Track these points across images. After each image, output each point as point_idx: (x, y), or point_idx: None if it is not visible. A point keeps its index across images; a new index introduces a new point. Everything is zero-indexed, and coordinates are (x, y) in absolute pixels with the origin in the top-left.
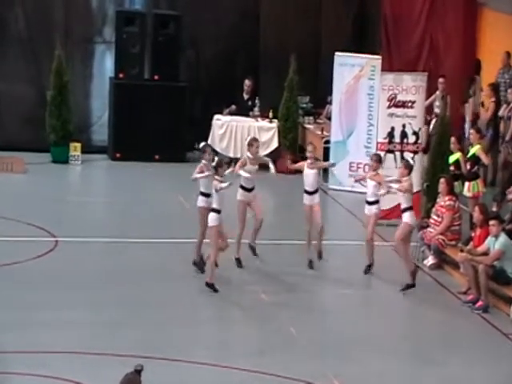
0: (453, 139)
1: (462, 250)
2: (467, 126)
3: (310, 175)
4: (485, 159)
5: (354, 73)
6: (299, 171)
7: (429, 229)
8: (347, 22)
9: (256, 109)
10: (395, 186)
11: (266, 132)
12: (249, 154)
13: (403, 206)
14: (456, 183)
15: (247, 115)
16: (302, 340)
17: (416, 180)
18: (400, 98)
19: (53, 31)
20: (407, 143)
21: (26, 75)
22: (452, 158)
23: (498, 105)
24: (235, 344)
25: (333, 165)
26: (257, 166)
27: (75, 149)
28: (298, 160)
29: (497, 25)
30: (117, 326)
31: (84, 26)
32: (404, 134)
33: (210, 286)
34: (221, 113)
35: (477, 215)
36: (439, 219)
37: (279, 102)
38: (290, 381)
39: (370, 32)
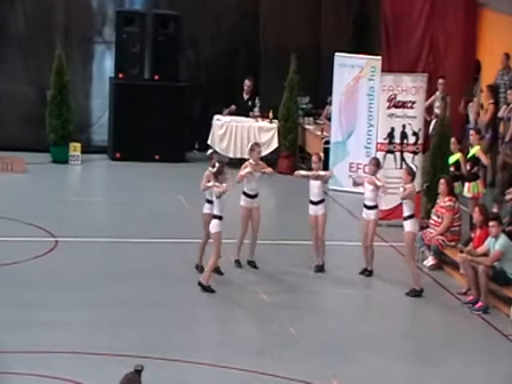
0: (453, 140)
1: (461, 251)
2: (472, 125)
3: (315, 185)
4: (484, 160)
5: (353, 74)
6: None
7: (428, 229)
8: (347, 21)
9: (256, 109)
10: (401, 194)
11: (266, 132)
12: (251, 160)
13: (405, 213)
14: (456, 184)
15: (247, 115)
16: (301, 340)
17: (416, 181)
18: (400, 98)
19: (53, 31)
20: (407, 144)
21: (26, 75)
22: (452, 159)
23: (496, 106)
24: (235, 344)
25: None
26: (259, 173)
27: (75, 149)
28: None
29: (497, 25)
30: (117, 325)
31: (84, 26)
32: (404, 135)
33: (204, 287)
34: (221, 113)
35: (477, 216)
36: (439, 220)
37: (279, 102)
38: (289, 381)
39: (370, 32)
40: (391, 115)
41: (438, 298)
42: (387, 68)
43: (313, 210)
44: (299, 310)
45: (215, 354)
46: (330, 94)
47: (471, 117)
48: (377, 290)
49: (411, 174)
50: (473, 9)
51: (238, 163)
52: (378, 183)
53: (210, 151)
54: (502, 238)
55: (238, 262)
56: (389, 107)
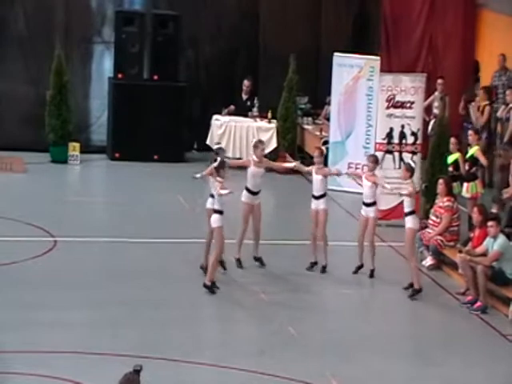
0: (453, 139)
1: (460, 251)
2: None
3: (316, 180)
4: (483, 160)
5: (352, 73)
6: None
7: (427, 229)
8: (347, 21)
9: (255, 109)
10: (404, 192)
11: (265, 132)
12: (254, 157)
13: (406, 209)
14: (455, 184)
15: (246, 115)
16: (301, 340)
17: (414, 181)
18: (399, 98)
19: (53, 31)
20: (406, 144)
21: (26, 75)
22: (451, 159)
23: (492, 107)
24: (235, 344)
25: (339, 174)
26: (263, 170)
27: (74, 149)
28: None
29: (496, 26)
30: (117, 325)
31: (83, 26)
32: (403, 135)
33: (208, 287)
34: (220, 113)
35: (476, 216)
36: (438, 220)
37: (278, 102)
38: (289, 381)
39: (370, 32)
40: (390, 115)
41: (436, 298)
42: (386, 68)
43: (314, 203)
44: (299, 309)
45: (215, 353)
46: (329, 93)
47: (473, 117)
48: (376, 289)
49: (410, 170)
50: (472, 9)
51: None
52: (378, 181)
53: (216, 146)
54: (501, 238)
55: (238, 261)
56: (388, 107)
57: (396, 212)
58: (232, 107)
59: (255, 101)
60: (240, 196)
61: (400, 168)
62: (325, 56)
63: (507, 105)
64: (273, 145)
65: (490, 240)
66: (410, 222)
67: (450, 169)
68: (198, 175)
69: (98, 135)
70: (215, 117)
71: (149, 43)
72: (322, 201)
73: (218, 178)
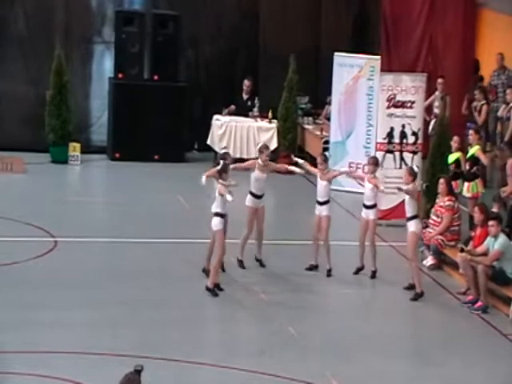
0: (455, 138)
1: (462, 249)
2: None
3: (320, 186)
4: (484, 160)
5: (353, 73)
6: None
7: (428, 229)
8: (347, 21)
9: (255, 109)
10: (404, 187)
11: (265, 132)
12: (259, 161)
13: (409, 214)
14: (459, 181)
15: (246, 115)
16: (301, 340)
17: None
18: (399, 98)
19: (53, 31)
20: (406, 143)
21: (26, 75)
22: (452, 158)
23: (489, 107)
24: (235, 344)
25: (345, 173)
26: (266, 174)
27: (74, 149)
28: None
29: (496, 25)
30: (117, 325)
31: (83, 26)
32: (403, 135)
33: (211, 290)
34: (220, 113)
35: (477, 215)
36: (438, 220)
37: (278, 102)
38: (290, 381)
39: (370, 32)
40: (390, 115)
41: (437, 297)
42: (386, 68)
43: (317, 209)
44: (299, 309)
45: (215, 354)
46: (330, 93)
47: (476, 116)
48: (376, 289)
49: (412, 174)
50: (472, 9)
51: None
52: (379, 185)
53: (223, 151)
54: (502, 238)
55: (240, 262)
56: (388, 107)
57: (396, 212)
58: (232, 107)
59: (256, 101)
60: (242, 200)
61: (401, 168)
62: (325, 56)
63: (507, 104)
64: (273, 145)
65: (490, 239)
66: (412, 226)
67: (452, 167)
68: (203, 179)
69: (99, 135)
70: (216, 117)
71: (149, 43)
72: (325, 207)
73: (221, 181)
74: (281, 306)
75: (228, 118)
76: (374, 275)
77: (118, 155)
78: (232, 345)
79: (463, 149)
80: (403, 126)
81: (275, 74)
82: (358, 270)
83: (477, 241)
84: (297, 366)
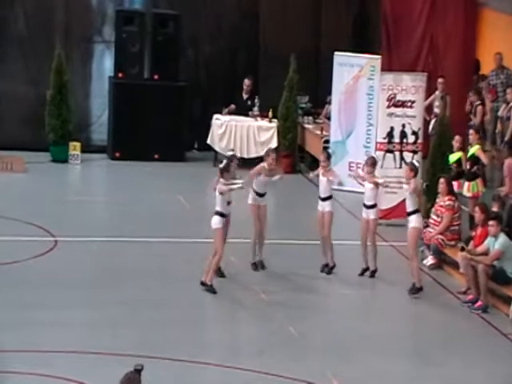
0: (457, 137)
1: (462, 248)
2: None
3: (322, 182)
4: (484, 159)
5: (353, 73)
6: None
7: (428, 229)
8: (347, 21)
9: (255, 108)
10: (411, 188)
11: (266, 132)
12: (265, 165)
13: (409, 208)
14: (461, 181)
15: (246, 115)
16: (302, 340)
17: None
18: (399, 97)
19: (53, 31)
20: (407, 143)
21: (26, 75)
22: (453, 157)
23: (484, 107)
24: (235, 344)
25: (340, 184)
26: (269, 178)
27: (75, 148)
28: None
29: (497, 25)
30: (117, 326)
31: (84, 26)
32: (403, 134)
33: (206, 285)
34: (220, 112)
35: (478, 215)
36: (439, 219)
37: (278, 101)
38: (291, 381)
39: (370, 32)
40: (391, 114)
41: (437, 297)
42: (387, 67)
43: (319, 205)
44: (300, 309)
45: (216, 353)
46: (330, 93)
47: (473, 117)
48: (377, 289)
49: (414, 170)
50: (473, 8)
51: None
52: (379, 181)
53: (230, 153)
54: (502, 237)
55: (254, 265)
56: (388, 106)
57: (396, 211)
58: (232, 106)
59: (256, 100)
60: (244, 199)
61: (401, 167)
62: (325, 55)
63: (508, 103)
64: (273, 144)
65: (491, 239)
66: (413, 221)
67: (454, 167)
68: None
69: (99, 135)
70: (216, 116)
71: (149, 42)
72: (327, 203)
73: (222, 180)
74: (281, 306)
75: (228, 118)
76: (373, 275)
77: (118, 154)
78: (233, 345)
79: (464, 148)
80: (403, 126)
81: (275, 74)
82: (364, 271)
83: (477, 240)
84: (297, 366)
